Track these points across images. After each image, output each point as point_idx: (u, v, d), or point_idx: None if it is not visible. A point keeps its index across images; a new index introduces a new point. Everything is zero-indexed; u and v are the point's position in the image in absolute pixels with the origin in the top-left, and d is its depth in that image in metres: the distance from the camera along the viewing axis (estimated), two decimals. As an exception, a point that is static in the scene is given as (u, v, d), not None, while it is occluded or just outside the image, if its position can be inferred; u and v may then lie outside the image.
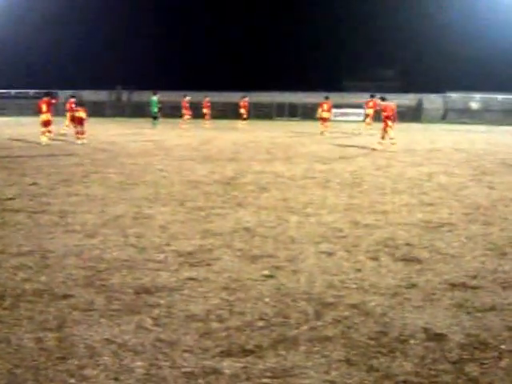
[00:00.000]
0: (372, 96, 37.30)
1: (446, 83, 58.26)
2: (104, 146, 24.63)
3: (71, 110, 30.10)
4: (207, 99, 44.13)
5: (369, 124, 36.31)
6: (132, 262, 7.20)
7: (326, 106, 35.48)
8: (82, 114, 26.38)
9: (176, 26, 69.70)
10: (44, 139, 24.64)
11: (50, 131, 25.32)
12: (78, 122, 26.25)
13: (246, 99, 42.17)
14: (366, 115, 37.34)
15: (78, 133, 25.96)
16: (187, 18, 69.41)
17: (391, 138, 24.13)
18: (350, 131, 36.89)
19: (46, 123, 24.99)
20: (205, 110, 43.31)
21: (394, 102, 26.47)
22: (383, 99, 26.17)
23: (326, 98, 36.29)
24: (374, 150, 23.30)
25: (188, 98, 41.40)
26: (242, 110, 41.11)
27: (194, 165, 17.75)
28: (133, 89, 63.06)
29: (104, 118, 53.12)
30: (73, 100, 31.22)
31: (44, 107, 25.26)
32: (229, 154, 21.10)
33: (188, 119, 40.61)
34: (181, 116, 41.34)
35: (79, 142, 25.31)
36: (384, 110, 25.09)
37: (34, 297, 5.93)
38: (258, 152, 22.28)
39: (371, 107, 36.61)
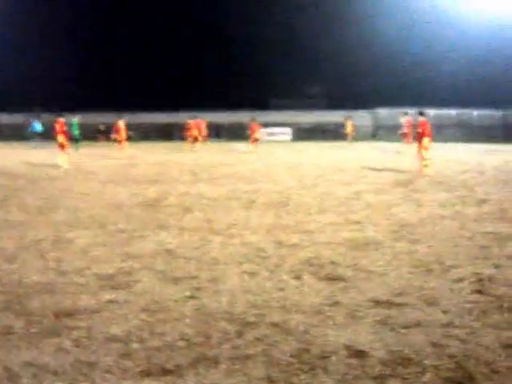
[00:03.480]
0: (406, 113, 38.25)
1: (374, 99, 59.43)
2: (21, 170, 24.33)
3: None
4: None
5: (409, 143, 37.07)
6: (52, 285, 7.32)
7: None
8: None
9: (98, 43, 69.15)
10: None
11: None
12: None
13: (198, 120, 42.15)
14: (404, 134, 37.85)
15: None
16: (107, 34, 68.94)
17: (425, 160, 22.31)
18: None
19: None
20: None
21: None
22: (422, 114, 23.78)
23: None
24: (423, 176, 21.21)
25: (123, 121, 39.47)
26: (195, 132, 40.72)
27: (115, 187, 17.78)
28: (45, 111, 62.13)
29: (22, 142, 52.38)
30: None
31: None
32: (152, 176, 21.18)
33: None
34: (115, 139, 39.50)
35: None
36: (419, 127, 23.21)
37: (-50, 322, 5.98)
38: (182, 173, 22.42)
39: (408, 125, 37.35)
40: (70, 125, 40.86)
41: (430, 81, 59.61)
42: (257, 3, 67.88)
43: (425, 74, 60.24)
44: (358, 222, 11.80)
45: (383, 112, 60.49)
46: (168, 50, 68.63)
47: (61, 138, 26.35)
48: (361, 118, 56.11)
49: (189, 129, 41.25)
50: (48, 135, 40.10)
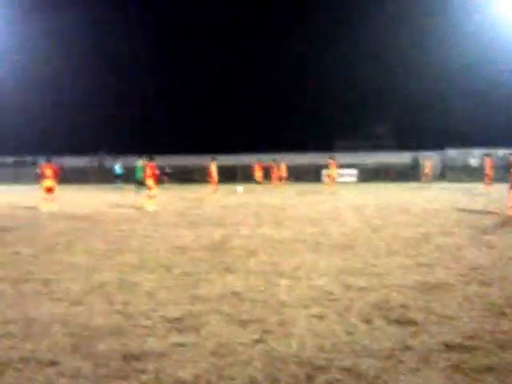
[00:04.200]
0: (487, 155, 38.40)
1: (443, 139, 59.03)
2: (87, 212, 24.92)
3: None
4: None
5: (489, 184, 37.33)
6: (118, 328, 7.45)
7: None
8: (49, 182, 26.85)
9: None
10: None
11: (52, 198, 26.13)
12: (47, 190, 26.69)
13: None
14: (486, 174, 37.92)
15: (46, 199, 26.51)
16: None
17: None
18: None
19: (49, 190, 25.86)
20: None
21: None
22: None
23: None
24: (509, 216, 20.92)
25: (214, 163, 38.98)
26: (259, 173, 41.21)
27: (179, 230, 18.03)
28: (115, 154, 63.64)
29: (86, 185, 53.84)
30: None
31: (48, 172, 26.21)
32: (215, 219, 21.40)
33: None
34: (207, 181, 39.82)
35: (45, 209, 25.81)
36: None
37: (21, 364, 6.17)
38: (246, 215, 22.58)
39: (490, 166, 37.51)
40: (134, 168, 42.04)
41: (499, 120, 58.88)
42: (323, 48, 68.60)
43: (496, 114, 59.55)
44: (427, 265, 11.69)
45: (452, 152, 59.94)
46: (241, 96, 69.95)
47: (150, 182, 26.76)
48: (431, 159, 55.51)
49: (256, 171, 41.62)
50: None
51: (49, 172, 26.24)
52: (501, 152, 56.28)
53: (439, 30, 63.67)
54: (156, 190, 27.06)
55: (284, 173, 45.37)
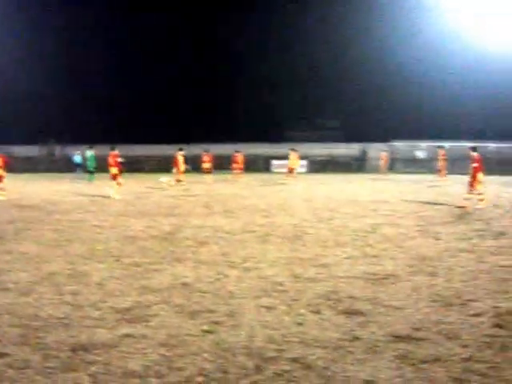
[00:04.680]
0: (440, 147, 38.90)
1: (390, 132, 59.66)
2: (37, 202, 24.54)
3: None
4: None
5: (443, 175, 38.15)
6: (68, 319, 7.34)
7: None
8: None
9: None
10: None
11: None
12: None
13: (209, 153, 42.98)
14: (440, 166, 38.25)
15: None
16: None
17: (480, 194, 22.26)
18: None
19: None
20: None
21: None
22: (474, 149, 23.34)
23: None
24: (461, 207, 21.36)
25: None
26: (207, 165, 41.18)
27: (130, 220, 17.87)
28: (66, 143, 62.85)
29: (37, 174, 53.14)
30: None
31: None
32: (165, 209, 21.25)
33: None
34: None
35: None
36: (475, 162, 22.78)
37: (-32, 356, 6.01)
38: (196, 206, 22.48)
39: (443, 159, 37.86)
40: (85, 157, 41.71)
41: (445, 114, 59.78)
42: (270, 38, 68.70)
43: (440, 107, 60.45)
44: (375, 256, 11.77)
45: (398, 144, 60.65)
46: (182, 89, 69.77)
47: (114, 170, 27.08)
48: (377, 151, 56.05)
49: (204, 161, 41.44)
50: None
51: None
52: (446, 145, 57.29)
53: (385, 25, 64.27)
54: (121, 179, 26.97)
55: (241, 164, 45.64)
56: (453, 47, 60.37)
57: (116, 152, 27.42)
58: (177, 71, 71.11)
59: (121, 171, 27.68)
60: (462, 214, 19.29)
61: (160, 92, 70.67)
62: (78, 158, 50.78)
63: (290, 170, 41.81)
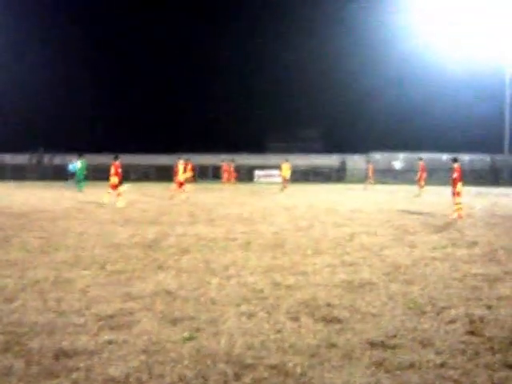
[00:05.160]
0: (420, 159, 38.90)
1: (369, 143, 60.06)
2: (25, 209, 24.43)
3: None
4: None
5: (422, 186, 37.65)
6: (51, 325, 7.31)
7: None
8: None
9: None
10: None
11: None
12: None
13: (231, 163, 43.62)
14: (419, 177, 38.25)
15: None
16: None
17: (457, 204, 22.17)
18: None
19: None
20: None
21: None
22: (455, 160, 23.24)
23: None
24: (452, 219, 21.23)
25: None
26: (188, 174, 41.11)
27: (115, 227, 17.86)
28: (55, 151, 62.67)
29: (25, 182, 52.91)
30: None
31: None
32: (151, 217, 21.25)
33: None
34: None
35: None
36: (455, 172, 22.73)
37: (-50, 362, 5.98)
38: (180, 215, 22.49)
39: (422, 170, 37.96)
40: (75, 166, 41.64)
41: (422, 126, 60.26)
42: (251, 49, 68.88)
43: (418, 119, 60.94)
44: (352, 264, 11.83)
45: (376, 155, 61.04)
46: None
47: (115, 180, 27.10)
48: (356, 162, 56.47)
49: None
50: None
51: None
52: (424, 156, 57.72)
53: (365, 39, 64.78)
54: (123, 187, 27.04)
55: (233, 172, 46.29)
56: (430, 61, 60.95)
57: (118, 162, 27.40)
58: (163, 83, 71.20)
59: (121, 182, 27.64)
60: (436, 223, 19.46)
61: (146, 103, 70.71)
62: (72, 167, 50.55)
63: (284, 180, 43.70)
